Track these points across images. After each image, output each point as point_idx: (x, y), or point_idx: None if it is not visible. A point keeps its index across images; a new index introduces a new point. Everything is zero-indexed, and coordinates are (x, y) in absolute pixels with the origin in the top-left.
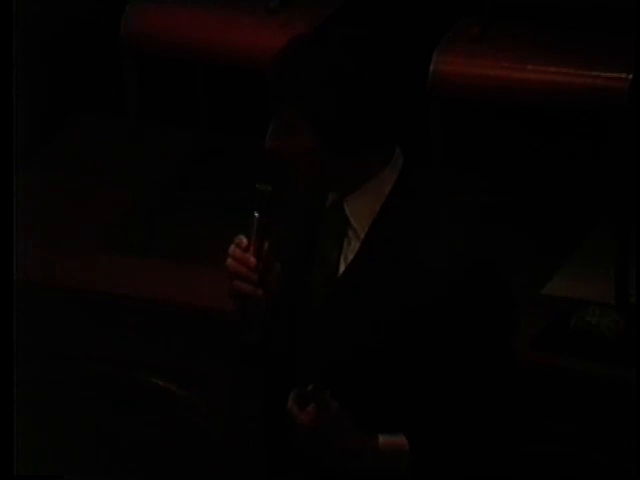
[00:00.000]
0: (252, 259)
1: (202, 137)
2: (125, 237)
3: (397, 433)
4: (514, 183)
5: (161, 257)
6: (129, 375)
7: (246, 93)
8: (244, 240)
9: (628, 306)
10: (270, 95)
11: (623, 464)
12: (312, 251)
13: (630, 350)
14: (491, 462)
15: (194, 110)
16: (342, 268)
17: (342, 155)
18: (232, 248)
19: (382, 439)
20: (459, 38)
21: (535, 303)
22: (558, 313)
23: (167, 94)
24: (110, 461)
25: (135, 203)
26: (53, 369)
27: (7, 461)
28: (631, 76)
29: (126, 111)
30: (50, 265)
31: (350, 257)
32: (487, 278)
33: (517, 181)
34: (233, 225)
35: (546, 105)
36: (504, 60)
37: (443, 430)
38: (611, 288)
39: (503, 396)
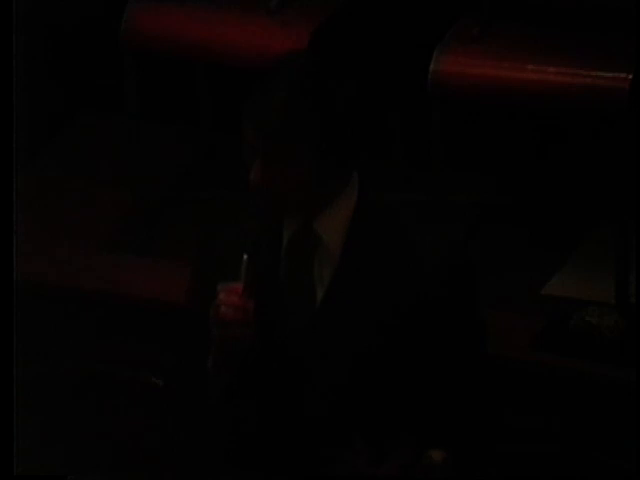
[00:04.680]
0: (250, 303)
1: (202, 137)
2: (125, 237)
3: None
4: (515, 183)
5: (161, 257)
6: (129, 375)
7: (246, 93)
8: (236, 286)
9: (628, 306)
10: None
11: (623, 464)
12: (279, 283)
13: (630, 350)
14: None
15: (194, 109)
16: (319, 292)
17: (332, 169)
18: (223, 296)
19: None
20: (459, 38)
21: (535, 303)
22: (558, 313)
23: (167, 94)
24: (110, 461)
25: (135, 203)
26: (53, 369)
27: (7, 461)
28: (631, 76)
29: (126, 111)
30: (50, 265)
31: (326, 278)
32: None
33: (518, 181)
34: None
35: (546, 105)
36: (504, 60)
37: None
38: (611, 288)
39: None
